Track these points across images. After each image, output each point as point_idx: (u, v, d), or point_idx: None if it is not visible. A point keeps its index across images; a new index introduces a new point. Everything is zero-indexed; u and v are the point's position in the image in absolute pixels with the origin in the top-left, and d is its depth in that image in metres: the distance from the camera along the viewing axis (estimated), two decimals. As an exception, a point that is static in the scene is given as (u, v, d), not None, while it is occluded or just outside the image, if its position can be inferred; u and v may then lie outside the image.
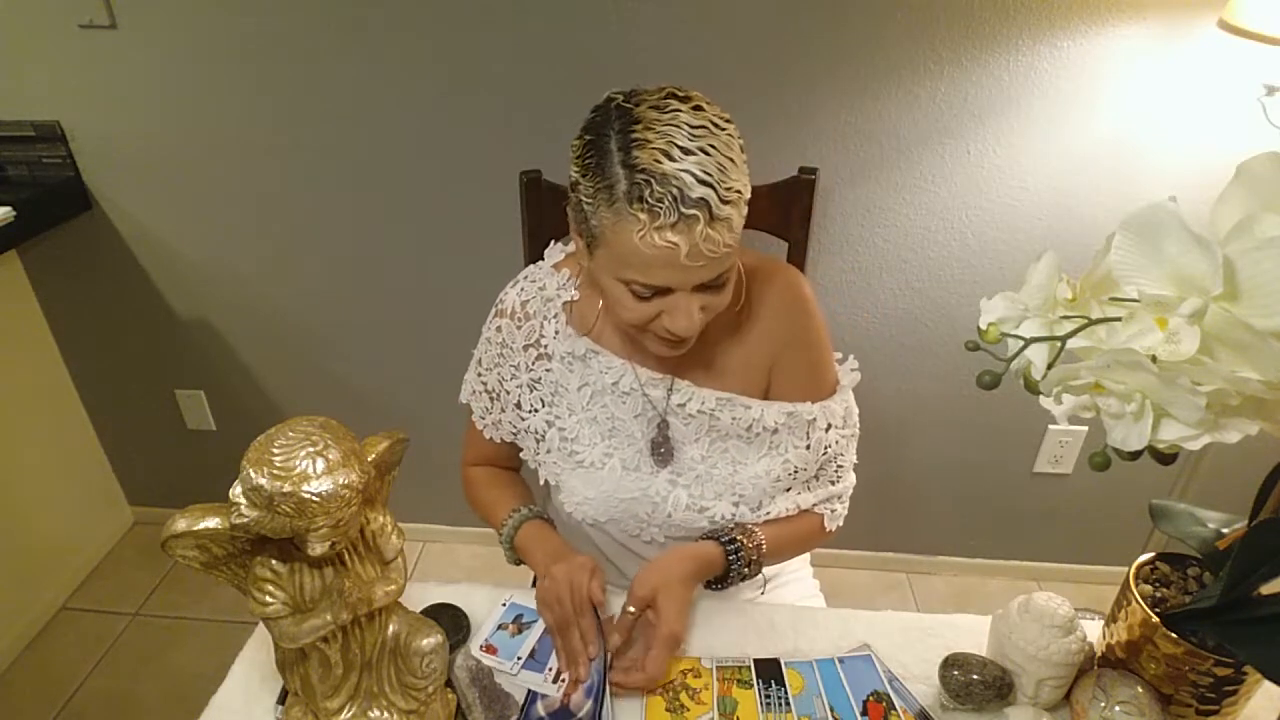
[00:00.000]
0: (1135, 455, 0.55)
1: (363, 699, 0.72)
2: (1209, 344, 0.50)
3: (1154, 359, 0.50)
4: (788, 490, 0.99)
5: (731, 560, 0.92)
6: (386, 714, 0.71)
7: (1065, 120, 1.44)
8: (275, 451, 0.58)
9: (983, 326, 0.57)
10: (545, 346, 0.97)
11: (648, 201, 0.73)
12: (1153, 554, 0.80)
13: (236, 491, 0.59)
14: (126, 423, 1.99)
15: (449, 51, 1.46)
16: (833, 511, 1.02)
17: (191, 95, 1.54)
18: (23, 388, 1.80)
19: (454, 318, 1.75)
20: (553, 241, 1.03)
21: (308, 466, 0.57)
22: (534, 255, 1.24)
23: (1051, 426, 1.75)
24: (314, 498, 0.57)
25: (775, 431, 0.95)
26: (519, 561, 1.00)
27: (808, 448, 0.97)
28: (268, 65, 1.50)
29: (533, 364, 0.97)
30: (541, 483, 1.02)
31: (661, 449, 0.96)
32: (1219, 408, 0.51)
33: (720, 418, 0.94)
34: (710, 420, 0.94)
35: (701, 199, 0.73)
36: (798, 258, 1.28)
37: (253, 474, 0.57)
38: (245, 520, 0.58)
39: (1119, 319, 0.54)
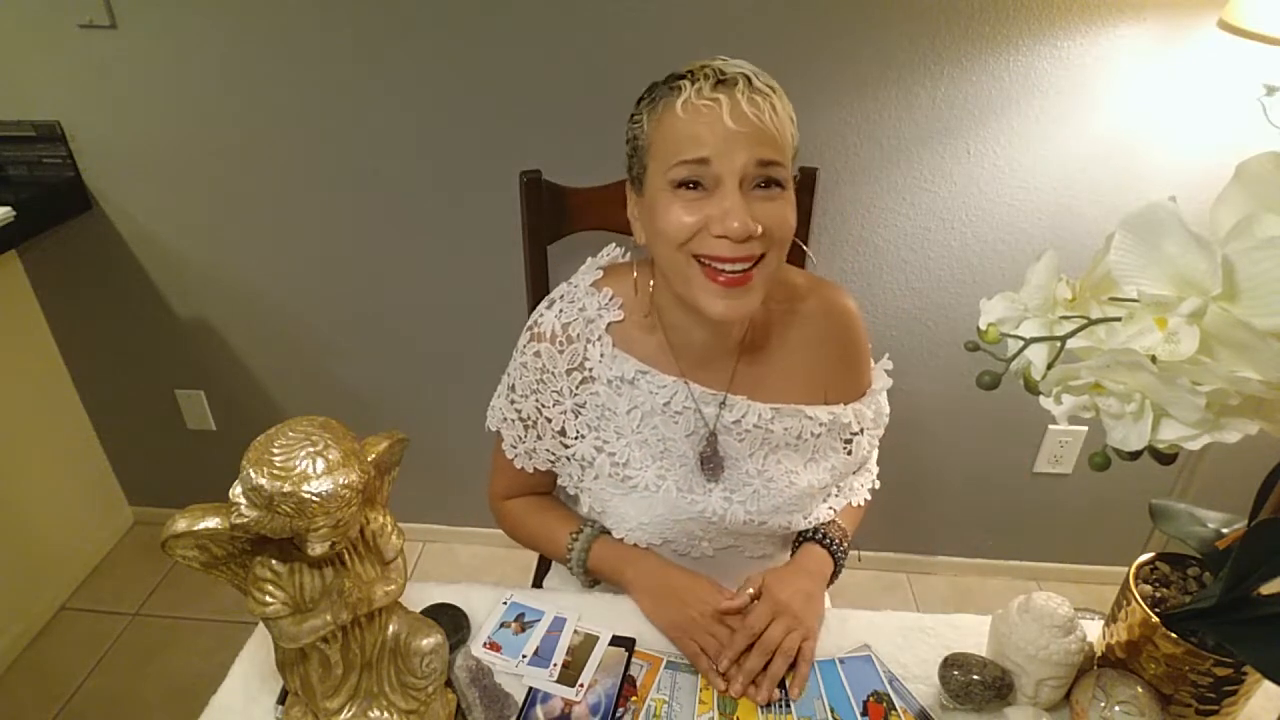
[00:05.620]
0: (1135, 455, 0.55)
1: (363, 699, 0.72)
2: (1209, 344, 0.50)
3: (1154, 359, 0.50)
4: (833, 494, 1.03)
5: (838, 557, 0.98)
6: (386, 714, 0.71)
7: (1065, 120, 1.44)
8: (275, 451, 0.58)
9: (982, 327, 0.57)
10: (590, 370, 0.93)
11: (686, 75, 0.81)
12: (1153, 554, 0.80)
13: (236, 491, 0.59)
14: (126, 423, 1.99)
15: (449, 51, 1.46)
16: (869, 493, 1.07)
17: (191, 95, 1.55)
18: (23, 388, 1.80)
19: (454, 318, 1.75)
20: (589, 259, 1.00)
21: (308, 466, 0.57)
22: (534, 255, 1.24)
23: (1051, 426, 1.75)
24: (314, 498, 0.57)
25: (819, 437, 0.96)
26: (594, 582, 0.99)
27: (848, 453, 1.00)
28: (268, 65, 1.50)
29: (576, 388, 0.94)
30: (585, 510, 0.99)
31: (710, 463, 0.94)
32: (1219, 408, 0.51)
33: (774, 429, 0.94)
34: (764, 434, 0.94)
35: (739, 72, 0.80)
36: (797, 258, 1.28)
37: (253, 474, 0.57)
38: (245, 520, 0.58)
39: (1119, 319, 0.54)
